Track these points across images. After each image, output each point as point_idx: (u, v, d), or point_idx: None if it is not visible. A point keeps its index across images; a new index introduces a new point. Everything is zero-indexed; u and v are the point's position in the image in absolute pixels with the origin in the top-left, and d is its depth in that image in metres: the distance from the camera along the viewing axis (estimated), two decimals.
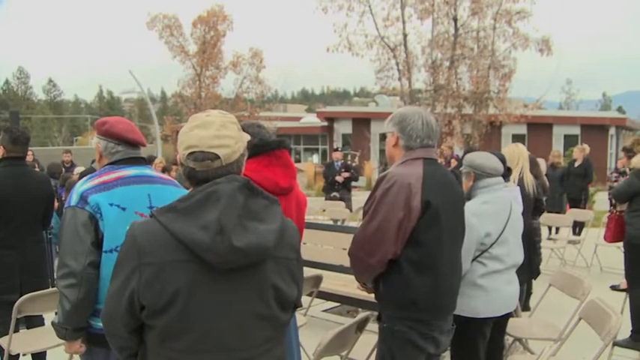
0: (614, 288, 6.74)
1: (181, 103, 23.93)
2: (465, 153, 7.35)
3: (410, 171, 2.44)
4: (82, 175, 5.26)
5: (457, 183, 2.68)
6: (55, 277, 2.24)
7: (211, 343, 1.52)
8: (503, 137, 25.36)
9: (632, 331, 4.88)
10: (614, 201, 5.85)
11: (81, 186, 2.28)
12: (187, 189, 1.74)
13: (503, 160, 3.65)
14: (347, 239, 2.58)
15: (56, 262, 2.28)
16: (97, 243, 2.19)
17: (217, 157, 1.54)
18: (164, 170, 9.05)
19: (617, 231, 5.45)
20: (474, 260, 3.01)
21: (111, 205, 2.22)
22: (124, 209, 2.24)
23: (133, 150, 2.43)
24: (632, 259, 5.09)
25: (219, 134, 1.55)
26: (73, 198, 2.24)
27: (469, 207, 2.88)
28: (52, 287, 3.51)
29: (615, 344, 4.62)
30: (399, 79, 18.50)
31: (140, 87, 23.49)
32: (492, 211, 3.06)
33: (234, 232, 1.46)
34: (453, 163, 10.54)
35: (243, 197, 1.51)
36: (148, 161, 2.51)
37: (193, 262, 1.46)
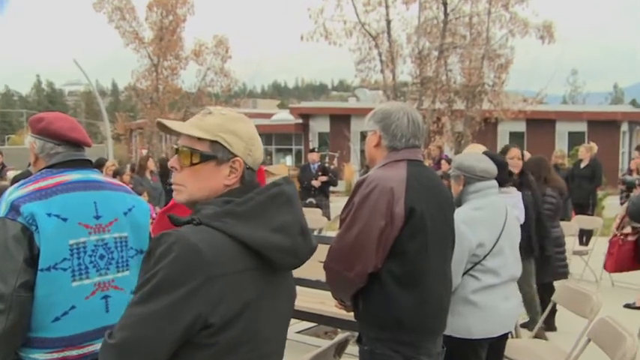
0: (628, 306, 6.67)
1: (136, 98, 23.68)
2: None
3: (392, 174, 2.45)
4: (14, 180, 5.14)
5: (445, 187, 2.71)
6: None
7: (264, 350, 1.63)
8: (499, 135, 25.66)
9: None
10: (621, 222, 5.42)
11: (11, 194, 2.17)
12: (140, 194, 1.74)
13: (501, 162, 3.68)
14: (325, 250, 2.58)
15: None
16: (32, 260, 2.09)
17: None
18: (115, 174, 8.94)
19: (621, 258, 4.88)
20: (465, 274, 3.03)
21: (49, 215, 2.14)
22: (64, 220, 2.16)
23: (75, 151, 2.38)
24: None
25: None
26: (2, 208, 2.14)
27: (459, 214, 2.90)
28: None
29: None
30: (382, 70, 18.57)
31: (87, 78, 23.21)
32: (485, 218, 3.09)
33: (310, 232, 1.67)
34: (444, 165, 10.63)
35: None
36: (98, 165, 2.46)
37: (257, 269, 1.56)
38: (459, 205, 3.14)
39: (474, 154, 3.35)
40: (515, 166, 5.11)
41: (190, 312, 1.44)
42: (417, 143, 2.59)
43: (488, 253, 3.05)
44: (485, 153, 3.70)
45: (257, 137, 1.70)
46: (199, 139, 1.63)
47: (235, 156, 1.63)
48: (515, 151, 5.28)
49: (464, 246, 2.93)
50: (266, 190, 1.60)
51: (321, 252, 3.17)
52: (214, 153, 1.63)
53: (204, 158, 1.62)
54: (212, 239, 1.50)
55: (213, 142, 1.63)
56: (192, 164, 1.63)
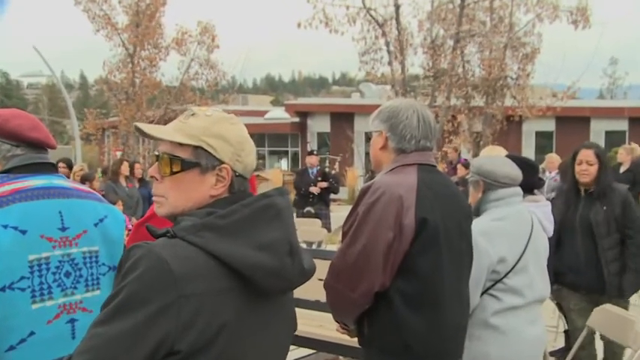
0: None
1: (108, 92, 23.62)
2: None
3: (401, 180, 2.46)
4: None
5: (461, 195, 2.71)
6: None
7: None
8: (524, 136, 25.77)
9: None
10: None
11: None
12: (114, 203, 1.73)
13: (527, 165, 3.65)
14: (324, 267, 2.58)
15: None
16: None
17: None
18: (84, 180, 8.94)
19: None
20: (484, 293, 3.03)
21: (5, 227, 2.12)
22: (23, 232, 2.15)
23: (36, 153, 2.37)
24: None
25: None
26: None
27: (477, 225, 2.91)
28: None
29: None
30: (390, 62, 18.64)
31: (50, 69, 23.10)
32: (507, 230, 3.10)
33: (302, 252, 1.65)
34: (461, 170, 10.63)
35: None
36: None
37: (236, 290, 1.53)
38: (478, 214, 3.16)
39: (495, 157, 3.35)
40: (585, 173, 4.47)
41: (159, 331, 1.42)
42: (429, 145, 2.60)
43: (510, 270, 3.05)
44: (508, 156, 3.69)
45: (248, 141, 1.70)
46: (180, 144, 1.63)
47: (222, 162, 1.63)
48: (585, 154, 4.48)
49: (482, 261, 2.93)
50: (253, 202, 1.58)
51: (321, 269, 3.16)
52: (197, 160, 1.62)
53: (186, 166, 1.62)
54: (185, 255, 1.48)
55: (196, 148, 1.62)
56: (172, 173, 1.63)
